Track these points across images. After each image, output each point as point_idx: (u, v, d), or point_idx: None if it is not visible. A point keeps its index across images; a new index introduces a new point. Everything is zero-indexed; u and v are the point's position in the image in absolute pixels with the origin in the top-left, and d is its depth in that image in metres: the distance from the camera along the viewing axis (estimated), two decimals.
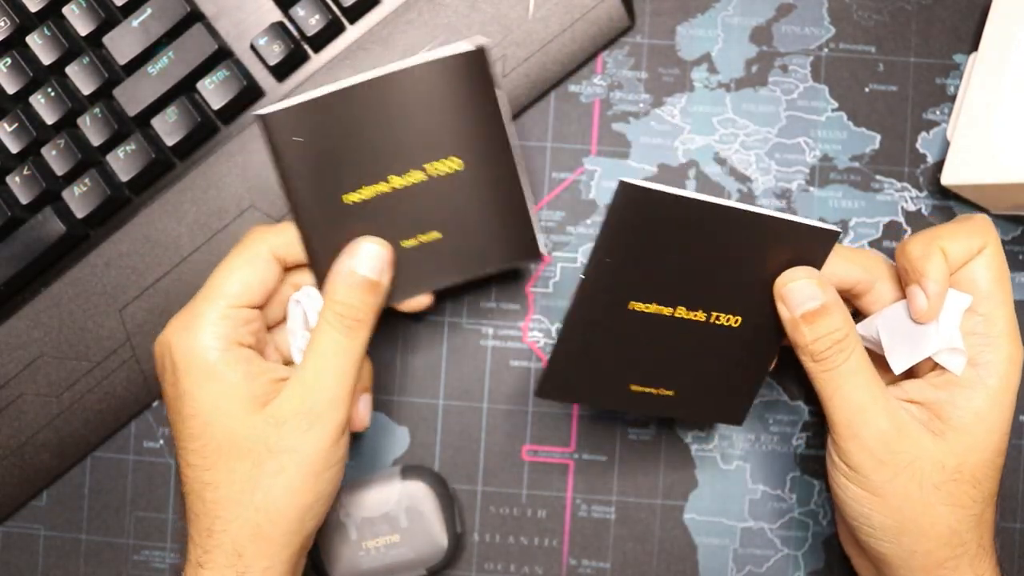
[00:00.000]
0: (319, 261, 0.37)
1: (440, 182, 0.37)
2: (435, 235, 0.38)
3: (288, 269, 0.38)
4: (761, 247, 0.35)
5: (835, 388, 0.35)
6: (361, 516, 0.42)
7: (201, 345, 0.35)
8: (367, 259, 0.37)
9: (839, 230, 0.35)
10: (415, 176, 0.37)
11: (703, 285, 0.35)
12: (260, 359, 0.37)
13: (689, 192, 0.33)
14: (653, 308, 0.36)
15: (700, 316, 0.36)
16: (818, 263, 0.35)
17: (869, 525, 0.36)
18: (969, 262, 0.36)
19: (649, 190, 0.32)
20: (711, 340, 0.37)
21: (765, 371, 0.39)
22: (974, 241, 0.35)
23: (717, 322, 0.36)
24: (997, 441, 0.35)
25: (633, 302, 0.35)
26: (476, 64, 0.36)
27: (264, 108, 0.36)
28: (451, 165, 0.37)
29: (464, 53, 0.35)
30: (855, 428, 0.35)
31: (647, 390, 0.38)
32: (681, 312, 0.36)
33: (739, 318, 0.36)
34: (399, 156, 0.37)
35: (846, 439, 0.35)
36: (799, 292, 0.35)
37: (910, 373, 0.38)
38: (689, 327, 0.36)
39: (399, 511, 0.42)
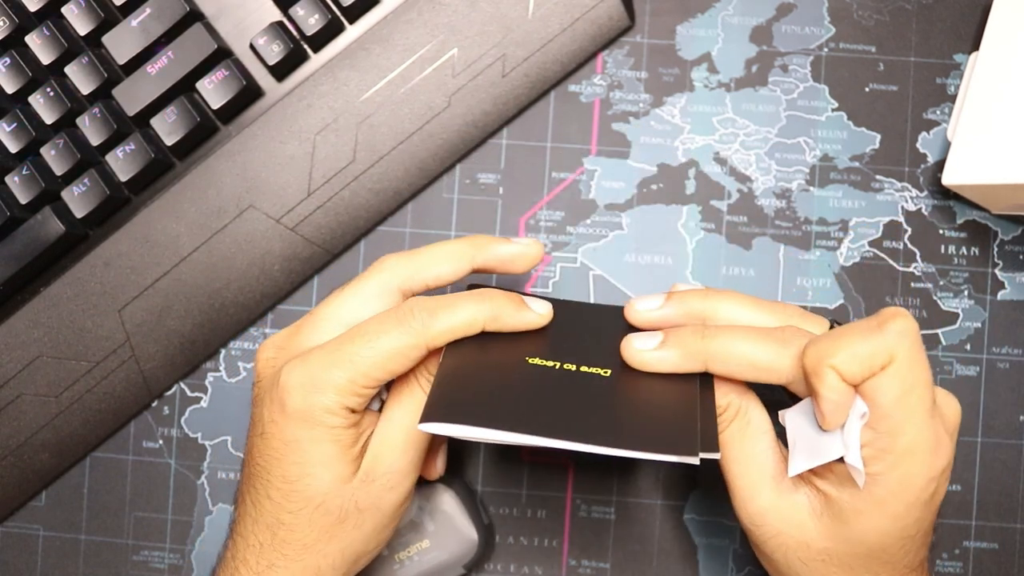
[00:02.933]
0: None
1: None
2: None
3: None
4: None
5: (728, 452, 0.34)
6: None
7: (324, 409, 0.34)
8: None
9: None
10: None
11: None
12: (362, 415, 0.35)
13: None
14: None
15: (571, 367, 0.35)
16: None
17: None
18: (874, 376, 0.31)
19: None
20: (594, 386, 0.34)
21: (696, 398, 0.34)
22: (876, 359, 0.31)
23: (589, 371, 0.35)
24: (874, 542, 0.33)
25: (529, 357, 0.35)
26: None
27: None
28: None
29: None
30: (742, 499, 0.34)
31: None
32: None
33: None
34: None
35: (739, 509, 0.35)
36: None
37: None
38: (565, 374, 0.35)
39: (423, 516, 0.42)
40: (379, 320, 0.34)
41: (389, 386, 0.36)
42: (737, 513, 0.35)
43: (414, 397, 0.35)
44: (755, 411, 0.34)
